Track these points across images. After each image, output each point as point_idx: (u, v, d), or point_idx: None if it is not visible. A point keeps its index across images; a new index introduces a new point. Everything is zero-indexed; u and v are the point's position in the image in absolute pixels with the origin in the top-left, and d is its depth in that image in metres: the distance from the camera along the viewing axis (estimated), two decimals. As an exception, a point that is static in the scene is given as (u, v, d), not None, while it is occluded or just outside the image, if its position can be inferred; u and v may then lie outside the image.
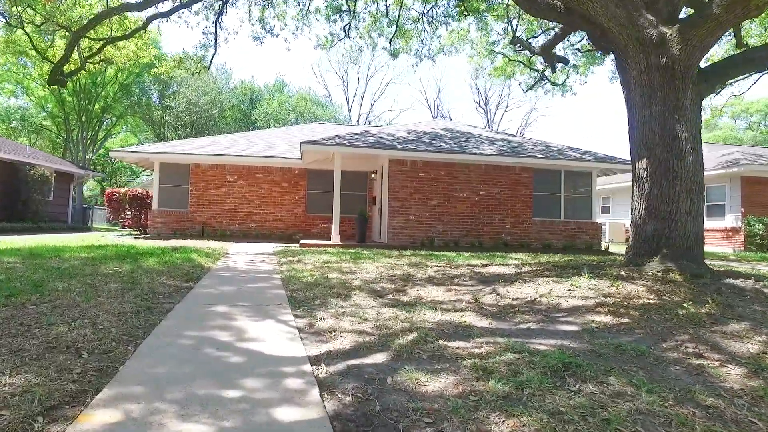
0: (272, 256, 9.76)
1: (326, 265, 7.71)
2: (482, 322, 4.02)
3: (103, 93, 32.07)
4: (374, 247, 12.67)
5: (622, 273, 5.53)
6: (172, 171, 15.72)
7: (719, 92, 17.58)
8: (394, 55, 15.23)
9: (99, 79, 30.27)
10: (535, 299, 4.75)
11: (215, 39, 11.64)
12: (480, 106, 51.85)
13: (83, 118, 32.11)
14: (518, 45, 13.73)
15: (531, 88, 18.49)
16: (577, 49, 14.84)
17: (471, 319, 4.11)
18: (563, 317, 4.17)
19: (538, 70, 16.92)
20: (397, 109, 75.29)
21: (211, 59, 12.33)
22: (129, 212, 16.40)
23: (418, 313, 4.27)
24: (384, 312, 4.29)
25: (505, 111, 52.01)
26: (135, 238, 14.24)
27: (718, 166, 17.60)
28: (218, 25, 11.42)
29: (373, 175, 16.33)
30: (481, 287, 5.53)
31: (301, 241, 13.11)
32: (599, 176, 16.56)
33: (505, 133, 17.06)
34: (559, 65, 15.39)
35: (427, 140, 14.45)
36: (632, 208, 6.21)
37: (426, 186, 13.85)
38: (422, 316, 4.17)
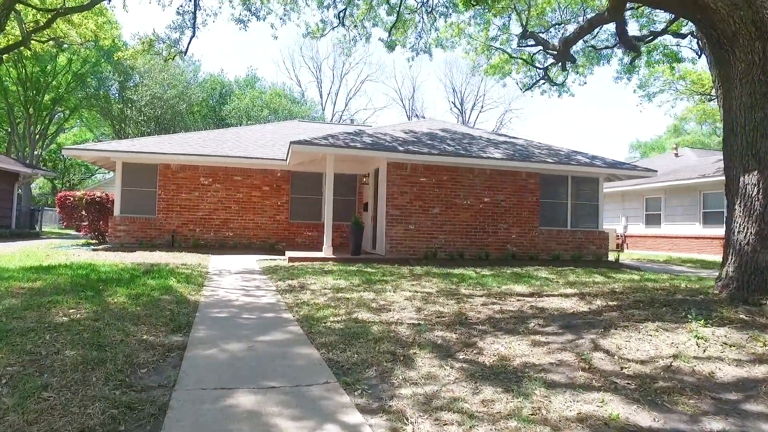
0: (264, 278, 8.21)
1: (341, 294, 6.27)
2: (643, 417, 2.72)
3: (54, 83, 28.92)
4: (372, 260, 11.27)
5: (742, 316, 4.38)
6: (137, 172, 13.78)
7: None
8: (391, 47, 13.88)
9: (49, 67, 27.22)
10: (670, 365, 3.49)
11: (194, 19, 9.93)
12: (455, 106, 51.28)
13: (30, 110, 28.98)
14: (530, 39, 12.66)
15: (530, 87, 17.58)
16: (592, 46, 13.90)
17: (620, 408, 2.81)
18: (746, 403, 2.93)
19: (540, 68, 15.98)
20: (371, 108, 73.91)
21: (189, 43, 10.59)
22: (86, 218, 14.30)
23: (537, 396, 2.93)
24: (489, 398, 2.92)
25: (480, 111, 51.56)
26: (93, 249, 12.27)
27: (719, 172, 17.14)
28: (197, 1, 9.73)
29: (364, 179, 14.90)
30: (571, 337, 4.25)
31: (288, 255, 11.54)
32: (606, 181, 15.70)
33: (506, 135, 16.03)
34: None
35: (429, 141, 13.17)
36: (733, 232, 5.09)
37: (427, 192, 12.57)
38: (548, 404, 2.83)
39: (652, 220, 20.50)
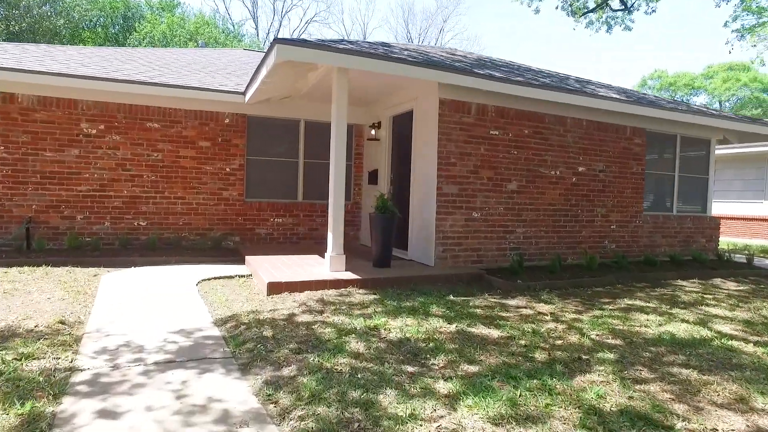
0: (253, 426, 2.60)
1: None
2: None
3: None
4: (422, 280, 5.99)
5: None
6: (-57, 106, 7.14)
7: None
8: None
9: None
10: None
11: None
12: (412, 61, 45.52)
13: None
14: None
15: (586, 13, 12.65)
16: None
17: None
18: None
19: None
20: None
21: None
22: None
23: None
24: None
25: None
26: None
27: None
28: None
29: (372, 132, 9.21)
30: None
31: (261, 273, 5.88)
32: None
33: (570, 76, 11.04)
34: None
35: (504, 68, 7.81)
36: None
37: (500, 155, 7.31)
38: None
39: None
